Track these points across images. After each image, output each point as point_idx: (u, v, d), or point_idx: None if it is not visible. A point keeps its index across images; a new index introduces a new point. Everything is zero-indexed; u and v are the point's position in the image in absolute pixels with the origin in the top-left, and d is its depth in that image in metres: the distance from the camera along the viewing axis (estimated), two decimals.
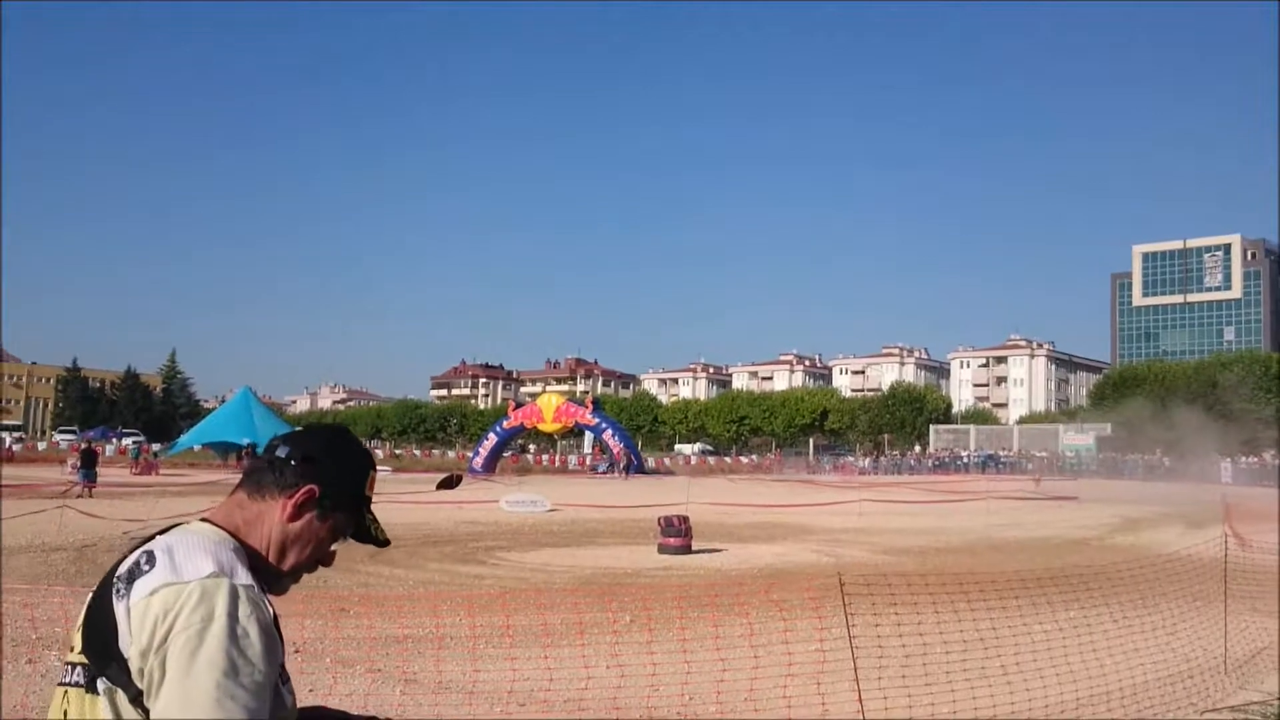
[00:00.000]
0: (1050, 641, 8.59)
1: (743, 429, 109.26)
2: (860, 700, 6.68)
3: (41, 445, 73.72)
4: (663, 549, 18.22)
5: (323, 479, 1.88)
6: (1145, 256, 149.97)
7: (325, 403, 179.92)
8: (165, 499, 27.51)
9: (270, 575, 1.83)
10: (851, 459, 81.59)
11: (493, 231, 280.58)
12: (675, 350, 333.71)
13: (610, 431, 65.27)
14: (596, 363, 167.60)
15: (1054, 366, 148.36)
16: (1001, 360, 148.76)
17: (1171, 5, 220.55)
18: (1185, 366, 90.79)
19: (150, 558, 1.70)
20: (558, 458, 79.18)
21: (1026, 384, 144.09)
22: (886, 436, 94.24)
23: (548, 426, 67.98)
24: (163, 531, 1.83)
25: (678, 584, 14.31)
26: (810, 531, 23.88)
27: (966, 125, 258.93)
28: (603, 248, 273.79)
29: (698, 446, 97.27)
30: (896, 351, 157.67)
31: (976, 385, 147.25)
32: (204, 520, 1.87)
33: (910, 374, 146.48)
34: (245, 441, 52.73)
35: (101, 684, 1.67)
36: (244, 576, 1.71)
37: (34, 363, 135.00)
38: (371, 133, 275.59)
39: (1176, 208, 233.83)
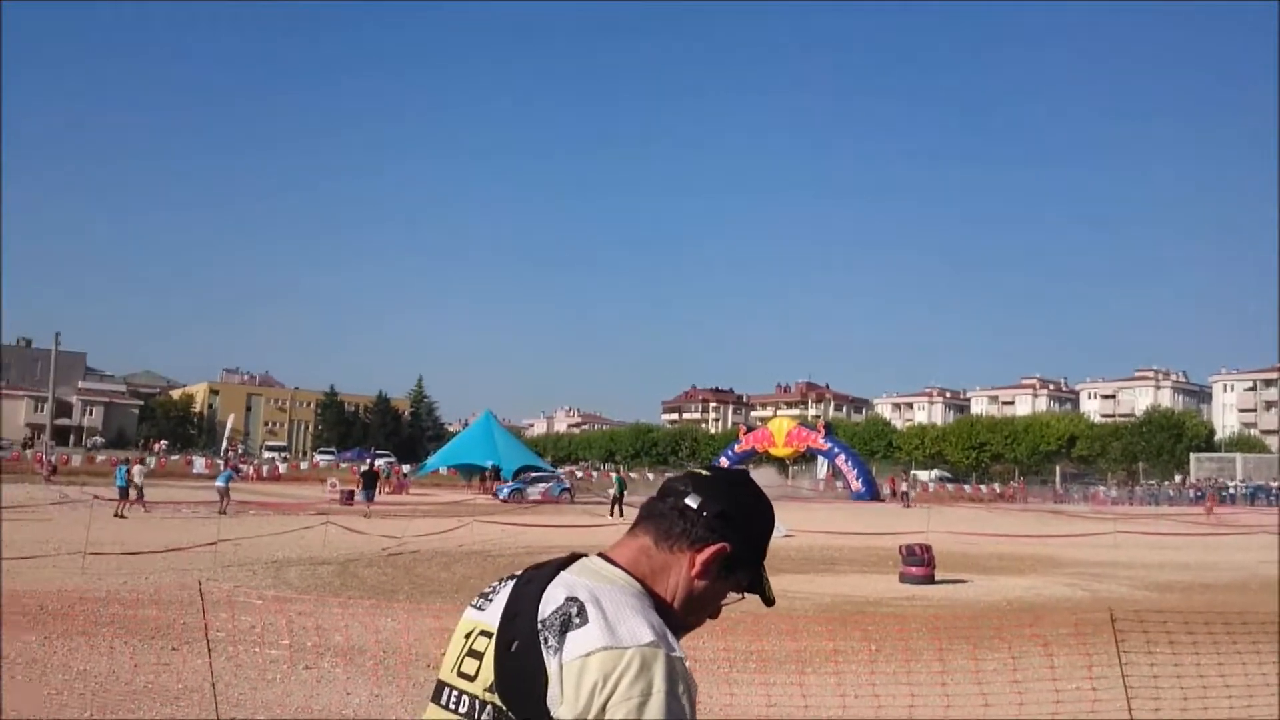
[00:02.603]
0: None
1: (983, 455, 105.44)
2: None
3: (303, 465, 79.06)
4: (904, 578, 17.83)
5: (734, 537, 1.81)
6: None
7: (560, 426, 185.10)
8: (416, 519, 29.09)
9: (672, 628, 1.75)
10: (1102, 488, 77.28)
11: (724, 254, 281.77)
12: (908, 374, 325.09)
13: (843, 456, 64.31)
14: (828, 386, 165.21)
15: None
16: (1271, 383, 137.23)
17: None
18: None
19: (581, 610, 1.66)
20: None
21: None
22: (1141, 465, 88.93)
23: (779, 450, 67.82)
24: (565, 565, 1.80)
25: (923, 614, 13.95)
26: (1060, 564, 22.84)
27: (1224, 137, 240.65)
28: (834, 269, 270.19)
29: (935, 473, 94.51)
30: (1151, 374, 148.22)
31: (1243, 410, 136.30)
32: (609, 560, 1.82)
33: (1167, 398, 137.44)
34: (489, 463, 54.99)
35: None
36: (677, 647, 1.67)
37: (296, 388, 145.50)
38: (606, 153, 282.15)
39: None
